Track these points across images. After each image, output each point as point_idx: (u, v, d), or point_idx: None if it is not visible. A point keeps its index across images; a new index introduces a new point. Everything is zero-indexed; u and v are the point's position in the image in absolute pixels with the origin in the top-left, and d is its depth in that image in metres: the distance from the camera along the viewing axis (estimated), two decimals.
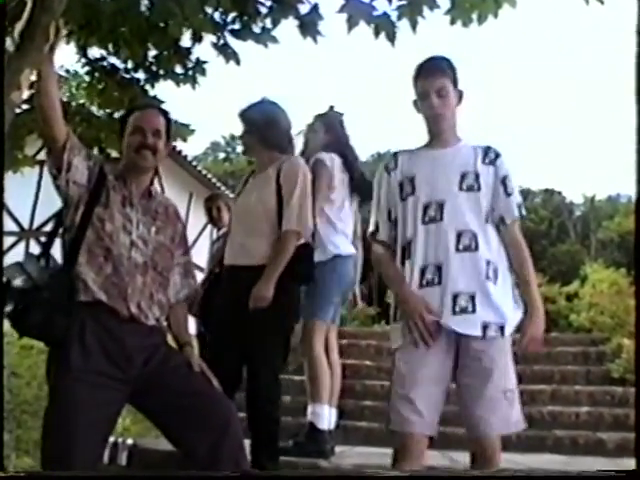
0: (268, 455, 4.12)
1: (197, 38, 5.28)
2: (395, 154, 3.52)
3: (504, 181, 3.39)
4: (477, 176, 3.34)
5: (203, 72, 5.58)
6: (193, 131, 5.94)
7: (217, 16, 5.14)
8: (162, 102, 5.63)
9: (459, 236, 3.24)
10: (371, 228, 3.52)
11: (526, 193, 57.02)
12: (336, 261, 5.04)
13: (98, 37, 5.30)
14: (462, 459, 5.05)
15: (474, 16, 4.39)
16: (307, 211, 4.33)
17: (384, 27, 4.44)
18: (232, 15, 5.10)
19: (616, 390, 7.41)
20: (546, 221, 53.60)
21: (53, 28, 2.98)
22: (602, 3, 4.18)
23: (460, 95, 3.44)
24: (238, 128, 4.56)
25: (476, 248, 3.24)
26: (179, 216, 3.61)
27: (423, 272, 3.24)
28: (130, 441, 5.00)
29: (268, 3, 4.93)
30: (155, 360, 3.23)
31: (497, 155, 3.42)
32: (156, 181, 3.62)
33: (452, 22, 4.43)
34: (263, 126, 4.47)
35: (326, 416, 4.83)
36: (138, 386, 3.15)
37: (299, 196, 4.29)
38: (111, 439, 4.60)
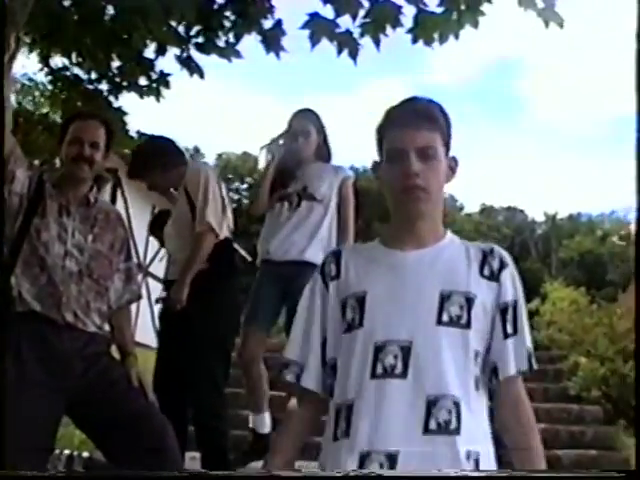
0: (218, 469, 4.12)
1: (161, 50, 5.27)
2: (336, 253, 2.24)
3: (506, 311, 2.10)
4: (469, 300, 2.03)
5: (167, 84, 5.56)
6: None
7: (181, 29, 5.14)
8: (125, 113, 5.62)
9: (431, 405, 1.96)
10: (291, 356, 2.18)
11: (489, 211, 57.56)
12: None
13: (61, 47, 5.28)
14: None
15: (436, 35, 4.44)
16: (213, 208, 4.38)
17: (347, 44, 4.47)
18: (196, 29, 5.10)
19: (573, 407, 7.50)
20: (508, 239, 54.03)
21: (14, 38, 2.97)
22: (561, 27, 4.26)
23: (452, 165, 2.19)
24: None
25: (457, 430, 1.96)
26: (122, 222, 3.60)
27: (364, 461, 1.94)
28: (86, 454, 4.95)
29: (232, 17, 4.94)
30: (94, 370, 3.22)
31: (503, 264, 2.12)
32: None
33: (414, 41, 4.47)
34: (153, 158, 4.57)
35: (265, 423, 4.83)
36: (76, 397, 3.13)
37: (203, 195, 4.36)
38: (66, 452, 4.55)
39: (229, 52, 5.10)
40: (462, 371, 2.01)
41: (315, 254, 4.80)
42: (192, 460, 4.30)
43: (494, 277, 2.10)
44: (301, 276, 4.77)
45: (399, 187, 2.09)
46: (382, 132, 2.17)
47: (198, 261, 4.29)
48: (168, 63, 5.44)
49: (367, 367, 2.00)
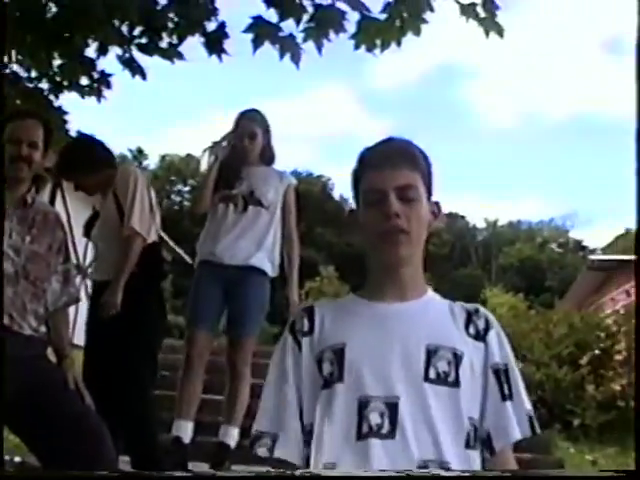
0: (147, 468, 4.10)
1: (103, 50, 5.23)
2: (308, 309, 2.02)
3: (499, 372, 1.95)
4: (456, 356, 1.88)
5: (108, 85, 5.51)
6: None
7: (124, 29, 5.10)
8: (66, 113, 5.56)
9: (420, 469, 1.77)
10: (262, 427, 1.93)
11: None
12: (266, 279, 4.99)
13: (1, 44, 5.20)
14: None
15: (378, 42, 4.47)
16: (140, 212, 4.37)
17: (289, 48, 4.48)
18: (139, 29, 5.07)
19: None
20: (449, 244, 54.58)
21: None
22: (501, 37, 4.33)
23: (435, 210, 2.03)
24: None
25: None
26: (60, 224, 3.56)
27: None
28: (18, 459, 4.88)
29: (175, 19, 4.92)
30: (30, 374, 3.18)
31: (489, 324, 1.98)
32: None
33: (357, 47, 4.50)
34: (82, 157, 4.52)
35: (236, 438, 4.81)
36: (11, 400, 3.07)
37: (132, 199, 4.35)
38: None
39: (172, 53, 5.07)
40: (454, 435, 1.83)
41: (261, 261, 4.83)
42: (126, 464, 4.26)
43: (480, 337, 1.95)
44: (246, 281, 4.80)
45: (378, 230, 1.91)
46: (358, 175, 2.01)
47: (129, 265, 4.29)
48: (110, 63, 5.39)
49: (350, 426, 1.80)
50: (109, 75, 5.48)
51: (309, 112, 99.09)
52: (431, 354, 1.86)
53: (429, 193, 1.99)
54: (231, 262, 4.80)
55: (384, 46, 4.49)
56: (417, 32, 4.44)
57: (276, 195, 4.93)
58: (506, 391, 1.92)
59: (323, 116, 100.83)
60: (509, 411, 1.90)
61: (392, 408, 1.80)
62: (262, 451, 1.88)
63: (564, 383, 8.85)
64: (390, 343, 1.86)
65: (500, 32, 4.33)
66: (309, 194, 55.81)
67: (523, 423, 1.91)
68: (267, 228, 4.91)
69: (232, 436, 4.77)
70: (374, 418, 1.80)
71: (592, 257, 27.57)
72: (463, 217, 60.81)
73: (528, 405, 1.94)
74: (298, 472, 1.77)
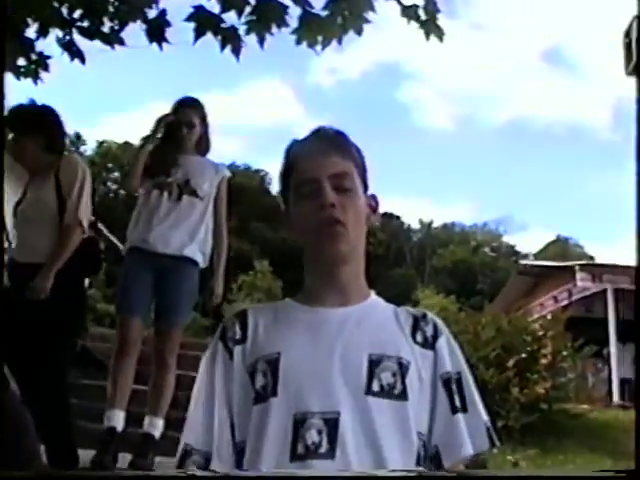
0: (64, 462, 4.07)
1: (43, 32, 5.13)
2: (241, 314, 1.85)
3: (450, 382, 1.77)
4: (402, 366, 1.71)
5: (46, 67, 5.42)
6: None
7: (65, 12, 5.01)
8: None
9: None
10: (191, 441, 1.74)
11: None
12: (197, 270, 4.95)
13: None
14: None
15: (320, 38, 4.48)
16: (86, 205, 4.40)
17: (231, 40, 4.46)
18: (80, 12, 4.99)
19: None
20: (384, 244, 54.92)
21: None
22: (441, 41, 4.37)
23: (373, 204, 1.91)
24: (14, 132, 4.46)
25: None
26: None
27: None
28: None
29: (116, 3, 4.86)
30: None
31: (438, 331, 1.83)
32: None
33: (298, 42, 4.50)
34: (47, 129, 4.50)
35: (160, 429, 4.77)
36: None
37: (78, 190, 4.36)
38: None
39: (112, 39, 5.00)
40: (402, 452, 1.65)
41: (194, 252, 4.80)
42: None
43: (428, 345, 1.78)
44: (178, 271, 4.77)
45: (313, 223, 1.75)
46: (287, 168, 1.85)
47: (66, 254, 4.27)
48: (49, 46, 5.30)
49: (285, 446, 1.62)
50: (48, 57, 5.39)
51: (249, 106, 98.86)
52: (374, 364, 1.68)
53: (365, 186, 1.86)
54: (164, 251, 4.75)
55: (325, 43, 4.50)
56: (359, 31, 4.46)
57: (211, 187, 4.92)
58: (457, 403, 1.75)
59: (263, 110, 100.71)
60: (460, 425, 1.73)
61: (331, 425, 1.61)
62: (193, 469, 1.70)
63: (490, 385, 8.96)
64: (329, 353, 1.69)
65: (440, 36, 4.38)
66: (246, 188, 55.66)
67: (478, 436, 1.75)
68: (200, 219, 4.88)
69: (157, 427, 4.72)
70: (311, 436, 1.61)
71: (523, 262, 28.05)
72: (398, 218, 61.21)
73: (484, 416, 1.77)
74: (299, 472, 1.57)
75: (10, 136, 4.43)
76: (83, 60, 5.20)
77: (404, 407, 1.67)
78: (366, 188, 1.87)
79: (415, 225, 62.62)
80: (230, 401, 1.73)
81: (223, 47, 4.48)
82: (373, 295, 1.88)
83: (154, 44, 4.79)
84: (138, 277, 4.76)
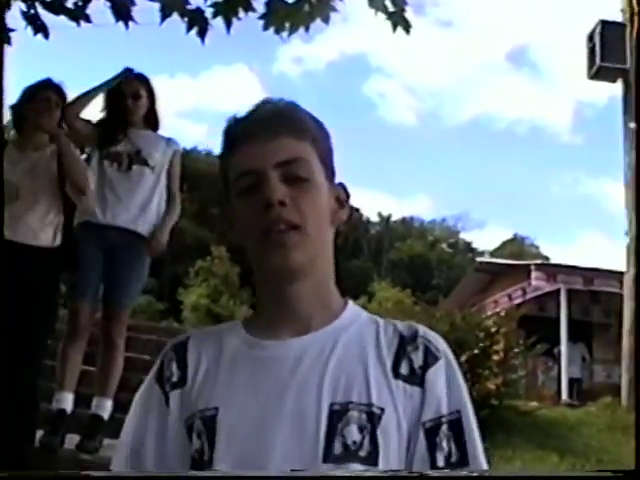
0: (23, 439, 4.03)
1: (5, 3, 5.04)
2: (179, 346, 1.44)
3: (437, 431, 1.29)
4: (373, 417, 1.28)
5: (8, 41, 5.32)
6: None
7: None
8: None
9: None
10: None
11: None
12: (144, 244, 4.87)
13: None
14: None
15: (287, 25, 4.45)
16: None
17: (197, 22, 4.42)
18: None
19: None
20: (342, 236, 54.90)
21: None
22: (408, 33, 4.37)
23: (341, 195, 1.46)
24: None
25: None
26: None
27: None
28: None
29: None
30: None
31: (430, 357, 1.34)
32: None
33: (265, 27, 4.46)
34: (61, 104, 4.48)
35: (109, 410, 4.73)
36: None
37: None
38: None
39: (78, 14, 4.91)
40: None
41: (145, 226, 4.73)
42: None
43: (415, 378, 1.32)
44: (127, 247, 4.69)
45: (256, 228, 1.33)
46: (225, 157, 1.43)
47: None
48: (12, 19, 5.20)
49: None
50: (11, 30, 5.29)
51: (214, 91, 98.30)
52: (336, 417, 1.26)
53: (329, 171, 1.42)
54: (114, 223, 4.68)
55: (292, 30, 4.46)
56: (326, 19, 4.44)
57: (163, 158, 4.86)
58: (453, 457, 1.28)
59: (228, 96, 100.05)
60: None
61: None
62: None
63: None
64: (277, 406, 1.28)
65: (407, 28, 4.37)
66: (206, 173, 55.36)
67: None
68: (152, 190, 4.81)
69: (105, 408, 4.68)
70: None
71: (480, 259, 28.32)
72: (357, 210, 61.24)
73: (483, 460, 1.31)
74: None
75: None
76: (47, 35, 5.10)
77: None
78: (332, 175, 1.43)
79: (374, 218, 62.80)
80: (163, 459, 1.37)
81: (189, 29, 4.44)
82: (349, 309, 1.42)
83: (120, 23, 4.72)
84: (87, 255, 4.65)
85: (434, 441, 1.28)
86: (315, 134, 1.40)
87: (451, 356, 1.36)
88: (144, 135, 4.88)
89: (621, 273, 11.53)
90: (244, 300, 43.07)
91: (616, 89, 10.51)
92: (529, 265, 17.52)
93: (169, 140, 5.00)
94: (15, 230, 4.11)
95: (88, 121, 4.86)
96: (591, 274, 16.52)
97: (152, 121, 4.97)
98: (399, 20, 4.35)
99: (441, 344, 1.36)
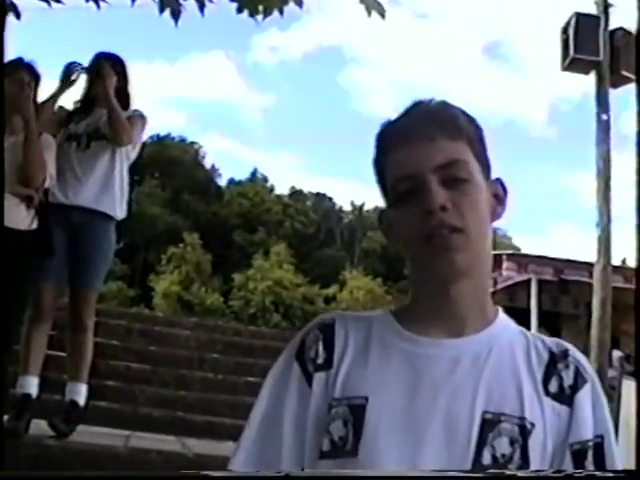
0: None
1: None
2: (325, 326, 1.39)
3: (583, 458, 1.26)
4: (524, 431, 1.25)
5: None
6: None
7: None
8: None
9: None
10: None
11: (298, 195, 58.35)
12: (112, 225, 4.81)
13: None
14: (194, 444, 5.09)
15: (260, 8, 4.41)
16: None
17: (169, 3, 4.36)
18: None
19: None
20: (315, 224, 55.05)
21: None
22: (383, 17, 4.34)
23: (499, 191, 1.42)
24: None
25: None
26: None
27: None
28: None
29: None
30: None
31: (581, 377, 1.31)
32: None
33: (239, 10, 4.42)
34: (34, 84, 4.42)
35: (84, 395, 4.68)
36: None
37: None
38: None
39: None
40: None
41: (108, 204, 4.68)
42: None
43: (565, 398, 1.29)
44: (91, 227, 4.63)
45: (419, 234, 1.29)
46: (379, 162, 1.39)
47: None
48: None
49: None
50: None
51: (189, 77, 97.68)
52: (488, 427, 1.23)
53: (486, 169, 1.38)
54: (76, 202, 4.63)
55: (266, 13, 4.43)
56: (299, 3, 4.40)
57: None
58: None
59: (202, 83, 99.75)
60: None
61: None
62: None
63: None
64: (430, 405, 1.25)
65: (382, 13, 4.33)
66: (179, 160, 55.22)
67: None
68: (111, 164, 4.75)
69: (80, 393, 4.64)
70: None
71: None
72: (330, 199, 61.37)
73: None
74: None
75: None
76: (18, 15, 5.02)
77: None
78: (488, 172, 1.39)
79: (347, 207, 62.82)
80: (302, 439, 1.31)
81: (162, 10, 4.38)
82: (500, 318, 1.39)
83: (91, 2, 4.66)
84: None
85: (582, 464, 1.25)
86: (469, 132, 1.36)
87: (597, 379, 1.33)
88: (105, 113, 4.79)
89: (591, 264, 11.59)
90: (215, 288, 43.10)
91: (589, 81, 10.59)
92: (501, 255, 17.59)
93: (132, 111, 4.93)
94: None
95: (60, 107, 4.83)
96: (561, 265, 16.60)
97: (122, 101, 4.89)
98: (373, 4, 4.32)
99: (589, 366, 1.34)
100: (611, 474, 1.17)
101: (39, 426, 4.50)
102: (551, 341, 1.36)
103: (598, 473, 1.17)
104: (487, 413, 1.24)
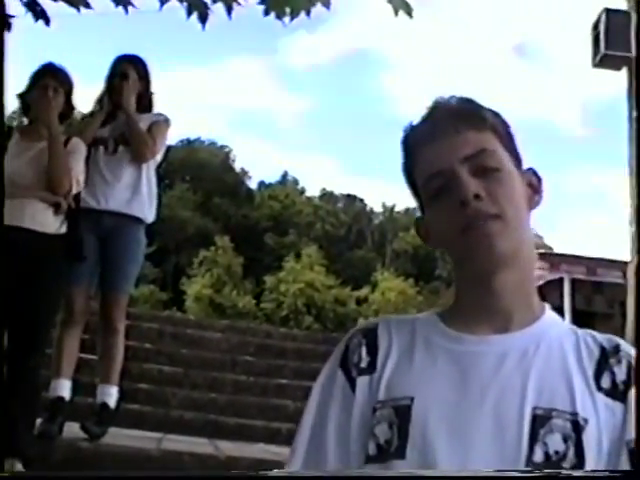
0: (24, 426, 4.00)
1: None
2: (369, 331, 1.38)
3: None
4: (577, 427, 1.19)
5: (9, 27, 5.27)
6: None
7: None
8: None
9: None
10: None
11: (329, 196, 58.35)
12: (142, 228, 4.85)
13: None
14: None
15: (287, 10, 4.40)
16: None
17: (197, 7, 4.37)
18: None
19: None
20: (346, 226, 55.02)
21: None
22: (410, 17, 4.32)
23: (533, 180, 1.39)
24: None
25: None
26: None
27: None
28: None
29: None
30: None
31: (632, 373, 1.26)
32: None
33: (266, 12, 4.42)
34: (61, 89, 4.40)
35: (115, 397, 4.70)
36: None
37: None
38: None
39: (78, 0, 4.88)
40: None
41: (137, 207, 4.71)
42: None
43: (618, 394, 1.23)
44: (121, 231, 4.66)
45: (455, 227, 1.28)
46: (408, 164, 1.40)
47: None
48: (12, 4, 5.18)
49: None
50: (11, 17, 5.25)
51: (218, 80, 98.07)
52: (539, 423, 1.19)
53: (516, 158, 1.37)
54: (106, 207, 4.67)
55: (293, 15, 4.42)
56: (326, 4, 4.39)
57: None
58: None
59: (232, 86, 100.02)
60: None
61: None
62: None
63: None
64: (478, 403, 1.22)
65: (409, 12, 4.30)
66: (210, 164, 55.45)
67: None
68: (138, 168, 4.79)
69: (111, 395, 4.66)
70: None
71: None
72: (361, 200, 61.32)
73: None
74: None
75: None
76: (47, 21, 5.06)
77: None
78: (519, 162, 1.37)
79: (377, 208, 62.73)
80: (346, 447, 1.29)
81: (189, 14, 4.40)
82: (547, 314, 1.35)
83: (120, 7, 4.68)
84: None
85: None
86: (494, 123, 1.35)
87: None
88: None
89: (625, 263, 11.49)
90: (247, 291, 43.21)
91: (621, 78, 10.51)
92: None
93: (155, 115, 4.98)
94: (22, 217, 4.09)
95: (90, 115, 4.89)
96: (594, 263, 16.50)
97: (144, 104, 4.92)
98: (400, 4, 4.30)
99: None
100: (607, 474, 1.14)
101: (72, 429, 4.52)
102: (602, 337, 1.32)
103: (597, 473, 1.13)
104: (538, 409, 1.20)
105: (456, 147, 1.30)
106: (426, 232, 1.40)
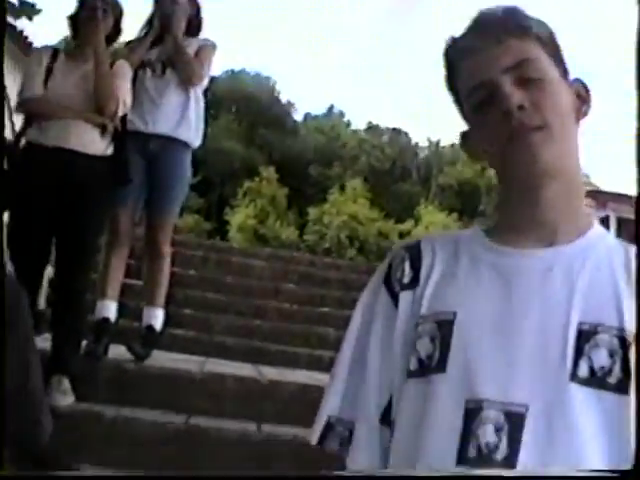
0: (70, 347, 4.09)
1: None
2: (412, 247, 1.37)
3: None
4: (624, 343, 1.15)
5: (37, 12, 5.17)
6: (39, 10, 5.54)
7: None
8: None
9: None
10: (333, 412, 1.35)
11: (374, 129, 57.88)
12: (189, 153, 4.85)
13: None
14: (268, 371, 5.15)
15: None
16: None
17: None
18: None
19: None
20: (390, 159, 54.58)
21: None
22: None
23: (581, 91, 1.35)
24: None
25: None
26: None
27: None
28: None
29: None
30: None
31: None
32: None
33: None
34: (110, 10, 4.39)
35: (161, 319, 4.77)
36: None
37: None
38: None
39: None
40: (615, 466, 1.11)
41: (185, 131, 4.70)
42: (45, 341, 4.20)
43: None
44: (168, 155, 4.65)
45: (499, 138, 1.25)
46: (452, 78, 1.37)
47: None
48: None
49: (449, 443, 1.17)
50: None
51: (264, 10, 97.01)
52: (584, 338, 1.16)
53: (562, 67, 1.32)
54: (154, 130, 4.67)
55: None
56: None
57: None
58: None
59: (279, 16, 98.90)
60: None
61: (515, 422, 1.14)
62: (334, 443, 1.34)
63: None
64: (522, 316, 1.20)
65: None
66: (255, 95, 55.13)
67: None
68: (186, 91, 4.77)
69: (157, 317, 4.74)
70: (486, 435, 1.15)
71: None
72: (407, 134, 60.66)
73: None
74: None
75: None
76: None
77: (622, 404, 1.12)
78: (566, 72, 1.33)
79: (423, 142, 62.09)
80: (389, 359, 1.30)
81: None
82: (595, 227, 1.31)
83: None
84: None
85: None
86: (539, 32, 1.30)
87: None
88: (180, 41, 4.80)
89: None
90: (290, 222, 43.25)
91: None
92: None
93: (202, 40, 4.94)
94: (67, 137, 4.11)
95: (137, 39, 4.89)
96: None
97: (193, 28, 4.90)
98: None
99: None
100: (608, 474, 1.09)
101: (118, 350, 4.61)
102: None
103: (597, 473, 1.09)
104: (583, 324, 1.17)
105: (498, 57, 1.26)
106: (471, 145, 1.38)
